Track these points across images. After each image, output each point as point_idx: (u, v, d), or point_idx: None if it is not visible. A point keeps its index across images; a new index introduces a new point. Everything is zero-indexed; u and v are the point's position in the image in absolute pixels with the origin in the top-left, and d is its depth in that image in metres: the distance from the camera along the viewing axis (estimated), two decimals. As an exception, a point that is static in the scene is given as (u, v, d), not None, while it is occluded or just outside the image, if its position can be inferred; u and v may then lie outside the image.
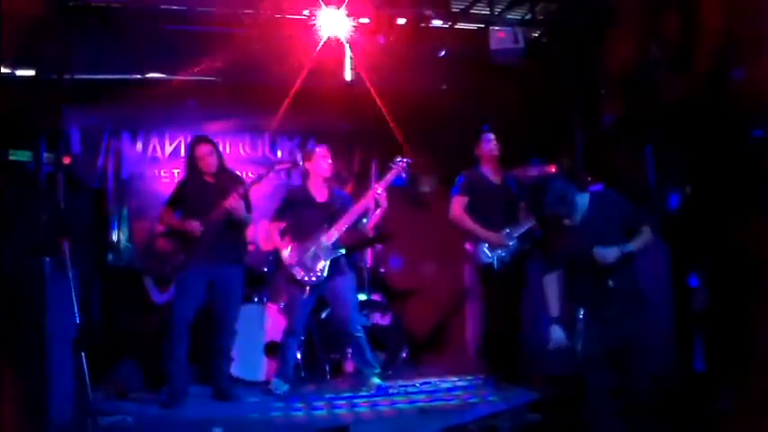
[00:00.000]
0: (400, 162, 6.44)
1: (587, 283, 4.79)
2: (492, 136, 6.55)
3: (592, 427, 4.81)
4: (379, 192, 6.29)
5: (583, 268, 4.76)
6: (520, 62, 6.74)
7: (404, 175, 6.48)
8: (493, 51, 6.71)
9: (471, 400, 5.89)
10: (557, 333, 4.81)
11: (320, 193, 6.44)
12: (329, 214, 6.33)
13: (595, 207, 4.88)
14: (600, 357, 4.71)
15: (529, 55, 6.75)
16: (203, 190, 6.10)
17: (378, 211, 6.33)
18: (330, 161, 6.53)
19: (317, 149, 6.56)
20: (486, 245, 6.30)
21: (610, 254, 4.69)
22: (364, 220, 6.39)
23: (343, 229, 6.30)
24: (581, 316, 4.69)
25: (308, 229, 6.29)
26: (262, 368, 6.84)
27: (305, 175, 6.56)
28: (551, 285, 4.92)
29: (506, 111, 7.36)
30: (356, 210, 6.33)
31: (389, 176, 6.41)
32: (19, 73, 6.72)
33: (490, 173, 6.56)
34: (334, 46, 7.58)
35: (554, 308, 4.90)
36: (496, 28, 6.72)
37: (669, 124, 6.33)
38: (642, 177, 6.51)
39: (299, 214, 6.38)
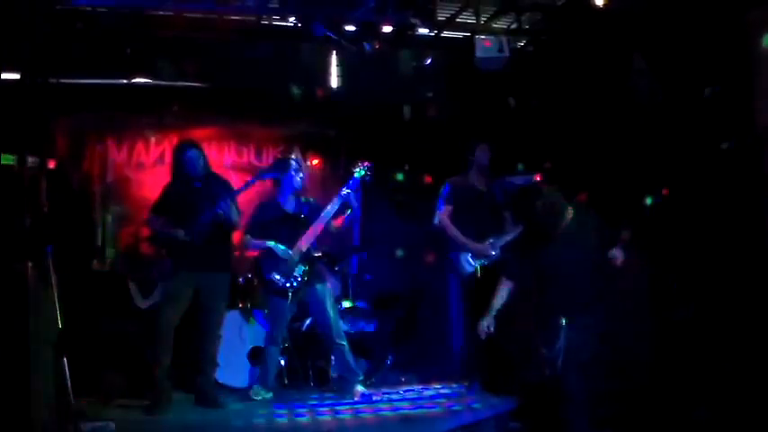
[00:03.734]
0: (361, 165, 6.41)
1: (567, 291, 4.78)
2: (486, 147, 6.55)
3: None
4: (344, 193, 6.27)
5: (562, 277, 4.76)
6: (505, 71, 6.76)
7: (367, 177, 6.42)
8: (478, 59, 6.73)
9: (455, 408, 5.88)
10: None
11: (290, 204, 6.45)
12: (300, 224, 6.32)
13: (577, 218, 4.88)
14: (580, 365, 4.69)
15: (514, 63, 6.78)
16: (190, 195, 6.05)
17: (348, 212, 6.31)
18: (302, 175, 6.51)
19: (291, 162, 6.55)
20: (470, 254, 6.30)
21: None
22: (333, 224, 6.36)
23: (315, 235, 6.30)
24: (563, 323, 4.67)
25: (282, 240, 6.28)
26: (245, 374, 6.82)
27: (278, 185, 6.53)
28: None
29: (491, 118, 7.39)
30: (325, 215, 6.30)
31: (354, 179, 6.38)
32: (4, 76, 6.69)
33: (476, 181, 6.59)
34: (321, 53, 7.64)
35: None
36: (482, 37, 6.75)
37: (650, 130, 6.37)
38: (623, 184, 6.55)
39: (271, 226, 6.37)
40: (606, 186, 6.66)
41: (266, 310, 6.77)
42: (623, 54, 6.58)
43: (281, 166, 6.54)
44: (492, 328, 5.01)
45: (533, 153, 7.33)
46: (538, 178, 7.24)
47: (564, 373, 4.69)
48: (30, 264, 4.96)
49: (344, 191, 6.30)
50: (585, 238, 4.84)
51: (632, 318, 5.76)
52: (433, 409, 5.89)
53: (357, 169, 6.40)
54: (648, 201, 6.59)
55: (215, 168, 7.59)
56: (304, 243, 6.26)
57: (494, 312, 5.02)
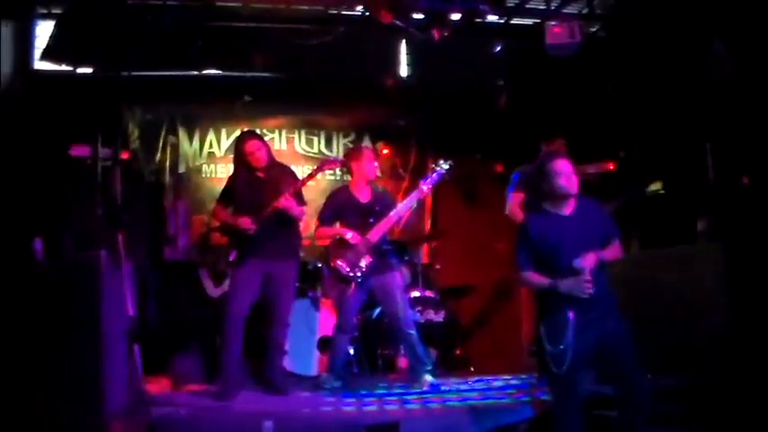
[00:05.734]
0: (443, 164, 6.39)
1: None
2: (562, 140, 6.47)
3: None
4: (424, 190, 6.29)
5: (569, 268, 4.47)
6: (576, 57, 6.66)
7: (447, 177, 6.42)
8: (549, 46, 6.65)
9: (524, 399, 5.79)
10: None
11: (363, 194, 6.45)
12: (372, 214, 6.32)
13: (586, 208, 4.68)
14: (584, 364, 4.50)
15: (586, 50, 6.67)
16: (254, 186, 6.10)
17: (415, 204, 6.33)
18: (376, 163, 6.53)
19: (365, 151, 6.57)
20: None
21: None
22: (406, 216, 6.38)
23: (387, 228, 6.29)
24: (570, 319, 4.43)
25: (353, 230, 6.28)
26: (314, 363, 6.88)
27: (351, 174, 6.56)
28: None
29: (562, 106, 7.29)
30: (400, 209, 6.31)
31: (434, 177, 6.36)
32: (79, 71, 6.89)
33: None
34: (390, 41, 7.66)
35: None
36: (553, 23, 6.66)
37: (729, 118, 6.20)
38: (702, 173, 6.39)
39: (343, 216, 6.40)
40: (683, 175, 6.52)
41: (335, 299, 6.81)
42: (701, 39, 6.41)
43: (355, 155, 6.55)
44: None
45: (606, 141, 7.22)
46: (611, 167, 7.14)
47: (569, 372, 4.41)
48: (103, 252, 5.05)
49: (423, 187, 6.30)
50: (595, 227, 4.60)
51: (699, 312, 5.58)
52: (502, 400, 5.84)
53: (438, 167, 6.38)
54: (727, 190, 6.41)
55: (286, 158, 7.81)
56: (375, 235, 6.25)
57: (550, 281, 4.58)
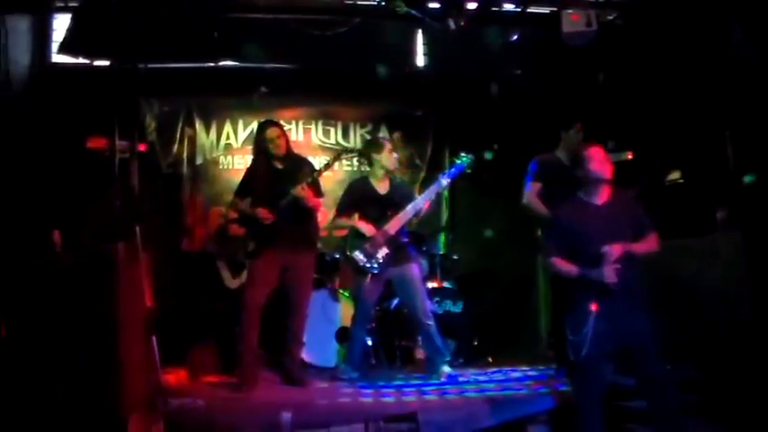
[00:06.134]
0: (463, 157, 6.39)
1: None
2: (581, 127, 6.44)
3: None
4: (444, 184, 6.28)
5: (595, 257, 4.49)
6: (593, 45, 6.61)
7: (468, 171, 6.42)
8: (565, 34, 6.60)
9: (542, 390, 5.81)
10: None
11: (382, 185, 6.45)
12: (391, 206, 6.32)
13: (618, 198, 4.70)
14: (604, 355, 4.51)
15: (603, 38, 6.62)
16: (272, 176, 6.12)
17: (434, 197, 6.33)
18: (396, 155, 6.53)
19: (384, 142, 6.57)
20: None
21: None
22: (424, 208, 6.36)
23: (405, 220, 6.29)
24: (592, 310, 4.45)
25: (371, 221, 6.30)
26: (332, 354, 6.89)
27: (370, 165, 6.56)
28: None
29: (580, 94, 7.25)
30: (419, 201, 6.32)
31: (453, 171, 6.37)
32: (96, 63, 6.91)
33: (564, 157, 6.46)
34: (407, 31, 7.63)
35: None
36: (569, 11, 6.62)
37: (749, 106, 6.13)
38: (721, 162, 6.33)
39: (361, 207, 6.40)
40: (701, 164, 6.46)
41: (352, 290, 6.82)
42: (720, 24, 6.34)
43: (374, 145, 6.55)
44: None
45: (624, 130, 7.16)
46: (629, 156, 7.08)
47: (585, 363, 4.44)
48: (120, 244, 5.12)
49: (443, 180, 6.29)
50: (627, 218, 4.60)
51: (719, 302, 5.53)
52: (520, 392, 5.85)
53: (459, 160, 6.38)
54: (748, 179, 6.35)
55: (303, 148, 7.82)
56: (393, 227, 6.26)
57: (579, 268, 4.58)
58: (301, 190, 5.92)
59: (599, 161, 4.56)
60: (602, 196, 4.60)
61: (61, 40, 6.77)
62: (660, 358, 4.48)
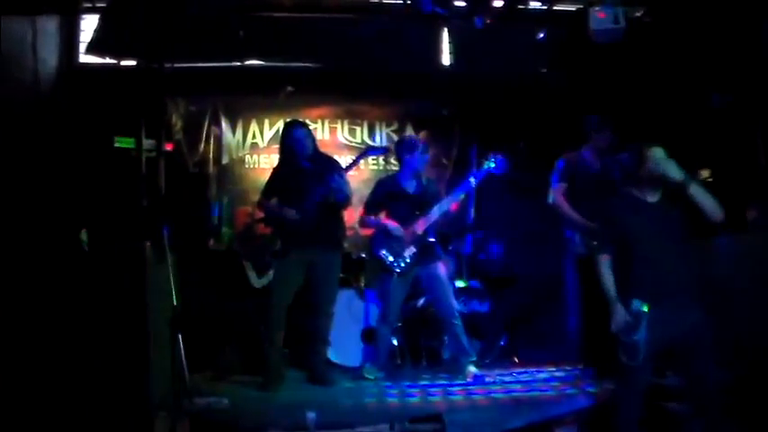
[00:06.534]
0: (492, 158, 6.38)
1: (654, 272, 4.46)
2: (609, 131, 6.38)
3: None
4: (470, 182, 6.27)
5: (649, 254, 4.46)
6: (621, 43, 6.55)
7: (497, 171, 6.41)
8: (593, 32, 6.55)
9: (569, 392, 5.78)
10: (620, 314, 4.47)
11: (410, 185, 6.45)
12: (419, 205, 6.33)
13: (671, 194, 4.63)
14: (652, 356, 4.41)
15: (631, 35, 6.55)
16: (298, 175, 6.13)
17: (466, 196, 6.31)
18: (427, 156, 6.55)
19: (418, 143, 6.57)
20: (585, 233, 6.16)
21: None
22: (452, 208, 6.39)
23: (432, 220, 6.30)
24: (644, 310, 4.36)
25: (399, 220, 6.31)
26: (357, 354, 6.90)
27: (399, 164, 6.55)
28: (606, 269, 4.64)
29: (607, 93, 7.19)
30: (446, 201, 6.34)
31: (482, 170, 6.39)
32: (122, 63, 6.95)
33: (592, 158, 6.41)
34: (432, 30, 7.60)
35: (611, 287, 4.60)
36: (596, 8, 6.56)
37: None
38: (751, 159, 6.24)
39: (389, 206, 6.41)
40: (731, 162, 6.38)
41: (378, 289, 6.79)
42: (751, 22, 6.26)
43: (406, 146, 6.54)
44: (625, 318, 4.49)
45: (653, 128, 7.08)
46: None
47: (638, 363, 4.37)
48: (147, 243, 5.15)
49: (471, 180, 6.31)
50: (680, 216, 4.54)
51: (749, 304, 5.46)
52: (547, 393, 5.81)
53: (487, 161, 6.39)
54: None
55: (329, 147, 7.85)
56: (420, 227, 6.28)
57: (614, 298, 4.54)
58: (337, 186, 5.94)
59: (657, 161, 4.52)
60: (654, 195, 4.58)
61: (89, 40, 6.82)
62: (711, 358, 4.43)
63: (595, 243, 4.83)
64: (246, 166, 8.54)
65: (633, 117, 6.79)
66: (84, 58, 7.16)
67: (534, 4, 6.96)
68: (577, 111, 6.79)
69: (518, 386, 6.10)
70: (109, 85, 7.00)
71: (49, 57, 6.36)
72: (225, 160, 8.47)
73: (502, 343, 7.25)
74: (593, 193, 6.11)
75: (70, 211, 5.66)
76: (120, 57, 6.85)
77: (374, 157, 8.39)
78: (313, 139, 6.27)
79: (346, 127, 8.76)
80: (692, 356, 4.43)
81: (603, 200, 5.12)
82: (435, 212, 6.30)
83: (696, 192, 4.42)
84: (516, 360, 7.19)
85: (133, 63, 6.63)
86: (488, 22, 6.82)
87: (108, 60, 6.99)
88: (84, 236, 5.63)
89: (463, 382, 6.19)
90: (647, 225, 4.48)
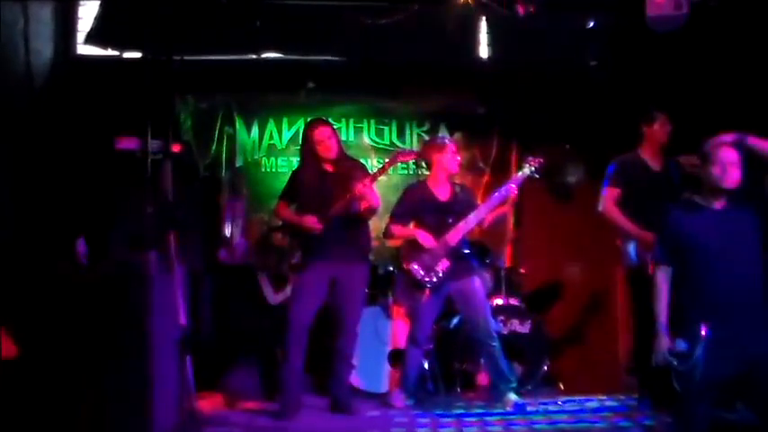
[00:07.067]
0: (533, 161, 6.33)
1: (720, 284, 4.36)
2: (666, 119, 6.29)
3: None
4: (511, 192, 6.22)
5: (713, 266, 4.36)
6: (683, 31, 6.46)
7: (537, 175, 6.35)
8: (651, 19, 6.47)
9: (622, 424, 5.72)
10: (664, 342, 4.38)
11: (443, 191, 6.41)
12: (452, 214, 6.29)
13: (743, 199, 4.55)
14: (717, 385, 4.29)
15: (694, 22, 6.46)
16: (322, 180, 6.11)
17: (505, 205, 6.29)
18: (459, 158, 6.51)
19: (449, 142, 6.53)
20: (640, 244, 6.08)
21: None
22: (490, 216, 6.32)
23: (467, 230, 6.26)
24: (702, 332, 4.24)
25: (430, 231, 6.26)
26: (384, 378, 6.87)
27: (429, 168, 6.50)
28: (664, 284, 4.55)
29: (666, 87, 7.09)
30: (482, 209, 6.28)
31: (520, 176, 6.33)
32: (126, 56, 6.95)
33: (650, 159, 6.32)
34: (469, 19, 7.55)
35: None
36: (655, -8, 6.49)
37: None
38: None
39: (419, 215, 6.37)
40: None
41: (407, 307, 6.75)
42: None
43: (435, 146, 6.50)
44: (670, 348, 4.39)
45: (718, 126, 6.98)
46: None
47: (689, 392, 4.26)
48: (152, 254, 5.13)
49: (510, 186, 6.25)
50: (749, 226, 4.44)
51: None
52: (597, 424, 5.75)
53: (526, 166, 6.34)
54: None
55: (354, 149, 7.90)
56: (454, 237, 6.23)
57: (664, 322, 4.45)
58: (362, 186, 5.87)
59: (722, 166, 4.42)
60: (721, 202, 4.49)
61: (88, 29, 6.84)
62: None
63: (652, 253, 4.76)
64: (263, 169, 8.54)
65: (696, 113, 6.68)
66: (83, 49, 7.20)
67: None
68: (632, 107, 6.69)
69: (564, 416, 6.06)
70: (110, 79, 7.05)
71: (43, 47, 6.42)
72: (239, 163, 8.48)
73: (545, 367, 7.14)
74: (650, 200, 6.05)
75: (67, 218, 5.68)
76: (122, 48, 6.89)
77: (404, 162, 8.33)
78: (337, 141, 6.23)
79: (373, 127, 8.73)
80: (760, 387, 4.30)
81: (663, 206, 5.05)
82: (471, 222, 6.25)
83: None
84: (561, 387, 7.16)
85: (137, 55, 6.65)
86: (531, 9, 6.74)
87: (109, 52, 7.02)
88: (81, 246, 5.61)
89: (502, 411, 6.14)
90: (716, 233, 4.40)
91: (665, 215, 4.64)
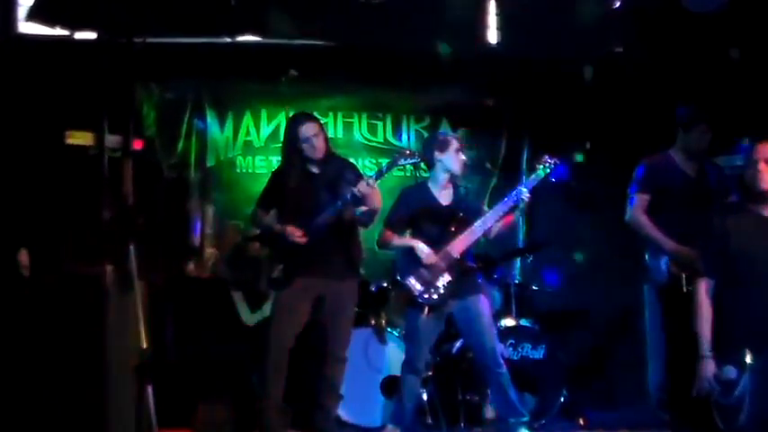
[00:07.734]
0: (548, 162, 6.28)
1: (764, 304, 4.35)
2: (705, 126, 6.22)
3: None
4: (522, 196, 6.13)
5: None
6: (723, 11, 6.41)
7: (552, 177, 6.30)
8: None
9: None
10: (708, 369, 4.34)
11: (444, 195, 6.37)
12: (455, 221, 6.24)
13: None
14: (764, 421, 4.22)
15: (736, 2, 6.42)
16: (306, 183, 6.08)
17: (516, 212, 6.24)
18: (464, 157, 6.42)
19: (449, 140, 6.45)
20: (672, 258, 6.00)
21: None
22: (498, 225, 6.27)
23: (473, 239, 6.19)
24: (749, 360, 4.22)
25: (430, 241, 6.21)
26: (377, 411, 6.81)
27: (429, 169, 6.47)
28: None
29: (703, 78, 7.04)
30: (490, 216, 6.21)
31: (533, 179, 6.28)
32: (78, 36, 6.87)
33: (682, 161, 6.26)
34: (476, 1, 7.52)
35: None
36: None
37: None
38: None
39: (418, 222, 6.32)
40: None
41: (403, 328, 6.73)
42: None
43: (436, 144, 6.42)
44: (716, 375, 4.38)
45: (764, 121, 6.97)
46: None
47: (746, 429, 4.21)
48: (109, 267, 5.11)
49: (522, 190, 6.17)
50: None
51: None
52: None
53: (540, 167, 6.28)
54: None
55: (343, 147, 7.94)
56: (457, 248, 6.16)
57: (709, 340, 4.43)
58: (364, 186, 5.79)
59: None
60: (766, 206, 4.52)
61: (31, 3, 6.78)
62: None
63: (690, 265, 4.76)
64: (238, 169, 8.58)
65: (738, 110, 6.65)
66: (25, 27, 7.12)
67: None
68: (664, 101, 6.64)
69: (585, 456, 6.05)
70: (59, 63, 6.98)
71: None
72: (210, 162, 8.51)
73: (562, 399, 7.10)
74: (683, 207, 6.02)
75: (8, 225, 5.63)
76: (74, 27, 6.84)
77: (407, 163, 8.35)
78: (324, 138, 6.18)
79: (365, 122, 8.78)
80: None
81: (697, 215, 5.09)
82: (476, 231, 6.19)
83: None
84: (581, 422, 7.10)
85: (92, 36, 6.57)
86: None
87: (58, 31, 6.94)
88: (23, 258, 5.54)
89: (513, 449, 6.13)
90: (763, 244, 4.41)
91: (710, 219, 4.63)
